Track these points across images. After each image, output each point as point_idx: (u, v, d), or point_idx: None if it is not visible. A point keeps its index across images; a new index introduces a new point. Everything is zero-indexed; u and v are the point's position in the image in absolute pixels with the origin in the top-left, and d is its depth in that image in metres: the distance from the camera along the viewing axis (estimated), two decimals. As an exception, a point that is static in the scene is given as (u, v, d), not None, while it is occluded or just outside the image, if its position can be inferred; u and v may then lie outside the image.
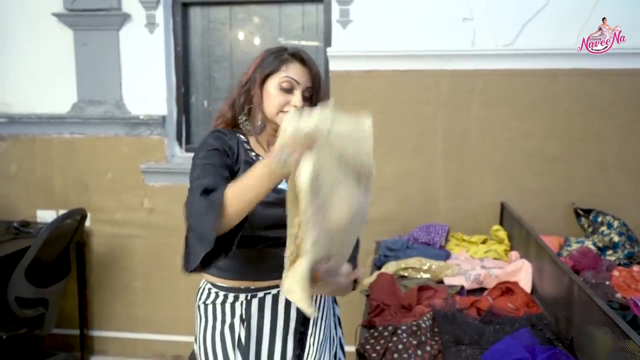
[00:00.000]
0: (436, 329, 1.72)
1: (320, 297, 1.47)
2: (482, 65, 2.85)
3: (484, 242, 2.73)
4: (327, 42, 2.99)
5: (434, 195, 2.97)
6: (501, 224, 2.86)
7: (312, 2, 3.07)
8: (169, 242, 3.13)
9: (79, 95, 3.15)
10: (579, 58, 2.77)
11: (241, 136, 1.48)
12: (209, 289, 1.48)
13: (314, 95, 1.46)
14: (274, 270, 1.38)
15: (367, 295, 2.12)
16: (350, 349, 1.77)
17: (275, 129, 1.46)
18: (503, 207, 2.87)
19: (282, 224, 1.38)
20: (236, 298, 1.44)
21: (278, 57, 1.45)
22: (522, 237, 2.47)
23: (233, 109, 1.49)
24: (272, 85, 1.43)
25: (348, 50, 2.92)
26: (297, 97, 1.42)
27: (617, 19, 2.58)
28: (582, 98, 2.81)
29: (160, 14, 3.05)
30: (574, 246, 2.64)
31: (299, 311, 1.45)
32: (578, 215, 2.84)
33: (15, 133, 3.24)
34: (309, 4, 3.08)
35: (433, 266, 2.33)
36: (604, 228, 2.69)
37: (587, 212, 2.79)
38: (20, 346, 3.03)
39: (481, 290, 2.20)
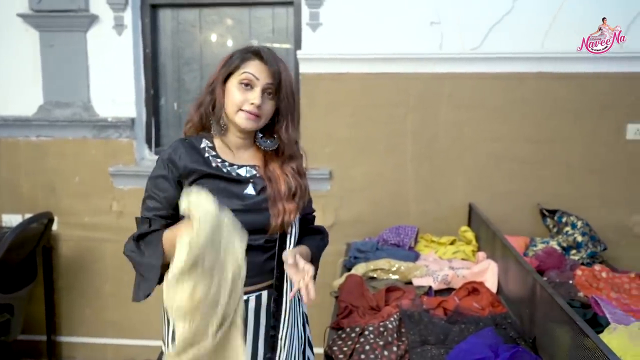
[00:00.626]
0: (403, 330, 1.74)
1: (286, 296, 1.47)
2: (450, 68, 2.89)
3: (452, 243, 2.77)
4: (298, 44, 3.00)
5: (404, 198, 2.99)
6: (469, 225, 2.90)
7: (282, 5, 3.08)
8: (138, 246, 3.09)
9: (46, 97, 3.09)
10: (544, 62, 2.83)
11: (207, 142, 1.48)
12: None
13: (278, 92, 1.43)
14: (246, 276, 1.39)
15: (337, 297, 2.13)
16: (318, 350, 1.78)
17: (239, 129, 1.46)
18: (471, 208, 2.91)
19: (252, 231, 1.39)
20: None
21: (240, 55, 1.44)
22: (488, 238, 2.51)
23: (199, 111, 1.48)
24: (232, 84, 1.42)
25: (318, 53, 2.93)
26: (255, 94, 1.40)
27: (580, 24, 2.65)
28: (548, 101, 2.86)
29: (128, 16, 3.02)
30: (540, 246, 2.69)
31: (268, 315, 1.46)
32: (544, 216, 2.89)
33: (-21, 136, 3.17)
34: (279, 6, 3.09)
35: (402, 267, 2.35)
36: (568, 228, 2.75)
37: (552, 212, 2.86)
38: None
39: (449, 290, 2.23)
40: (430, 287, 2.23)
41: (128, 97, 3.09)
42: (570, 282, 2.26)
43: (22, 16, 3.03)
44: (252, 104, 1.40)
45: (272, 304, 1.47)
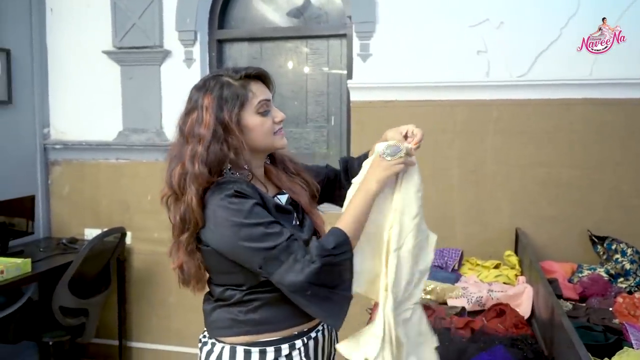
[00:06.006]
0: (423, 345, 1.83)
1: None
2: (497, 95, 2.95)
3: (496, 267, 2.80)
4: (349, 74, 3.18)
5: (450, 221, 3.06)
6: (516, 249, 2.92)
7: (337, 37, 3.28)
8: (201, 261, 3.35)
9: (124, 124, 3.46)
10: (592, 88, 2.83)
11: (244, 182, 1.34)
12: (246, 351, 1.34)
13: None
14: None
15: (370, 313, 2.25)
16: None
17: (264, 156, 1.44)
18: (517, 233, 2.93)
19: None
20: (292, 347, 1.35)
21: (230, 86, 1.33)
22: (528, 262, 2.54)
23: (208, 165, 1.29)
24: (249, 117, 1.34)
25: (368, 82, 3.09)
26: (277, 112, 1.39)
27: (628, 50, 2.66)
28: (596, 127, 2.85)
29: (197, 50, 3.33)
30: (586, 273, 2.67)
31: (323, 353, 1.46)
32: (594, 243, 2.86)
33: (68, 158, 3.58)
34: (334, 38, 3.29)
35: (438, 288, 2.43)
36: (617, 255, 2.71)
37: (602, 239, 2.82)
38: (65, 353, 3.30)
39: (483, 312, 2.28)
40: (463, 308, 2.29)
41: (195, 124, 3.37)
42: (610, 309, 2.25)
43: (107, 53, 3.42)
44: (280, 121, 1.39)
45: (331, 335, 1.48)
